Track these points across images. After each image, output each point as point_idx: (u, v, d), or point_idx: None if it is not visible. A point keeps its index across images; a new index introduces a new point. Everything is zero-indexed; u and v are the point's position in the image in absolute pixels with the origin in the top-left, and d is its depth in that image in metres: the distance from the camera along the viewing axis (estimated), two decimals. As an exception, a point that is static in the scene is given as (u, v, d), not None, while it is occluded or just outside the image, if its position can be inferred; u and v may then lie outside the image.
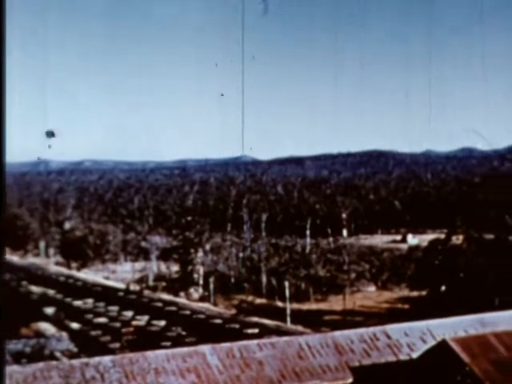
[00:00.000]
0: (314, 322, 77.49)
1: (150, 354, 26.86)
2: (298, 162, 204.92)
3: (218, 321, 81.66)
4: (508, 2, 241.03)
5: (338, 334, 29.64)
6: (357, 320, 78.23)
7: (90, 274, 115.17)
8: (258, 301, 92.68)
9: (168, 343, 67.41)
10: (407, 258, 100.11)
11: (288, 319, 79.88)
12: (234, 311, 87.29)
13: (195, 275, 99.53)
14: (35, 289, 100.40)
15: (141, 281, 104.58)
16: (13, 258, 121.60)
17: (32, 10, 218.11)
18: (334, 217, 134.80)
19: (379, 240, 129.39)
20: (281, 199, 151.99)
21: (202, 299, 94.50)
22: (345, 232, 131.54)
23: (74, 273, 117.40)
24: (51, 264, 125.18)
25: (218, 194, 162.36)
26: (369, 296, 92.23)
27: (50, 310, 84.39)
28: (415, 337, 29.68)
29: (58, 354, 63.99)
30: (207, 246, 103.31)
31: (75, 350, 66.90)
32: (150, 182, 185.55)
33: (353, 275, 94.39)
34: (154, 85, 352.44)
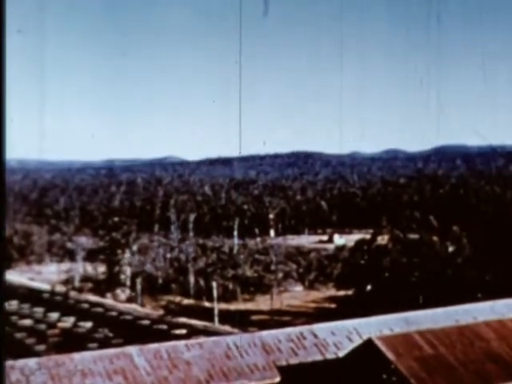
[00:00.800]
0: (242, 321, 77.69)
1: (76, 355, 26.47)
2: (226, 162, 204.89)
3: (146, 322, 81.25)
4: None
5: (265, 333, 29.73)
6: (284, 319, 78.78)
7: (15, 275, 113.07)
8: (186, 301, 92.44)
9: (95, 345, 66.83)
10: (334, 258, 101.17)
11: (216, 319, 79.97)
12: (161, 312, 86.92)
13: (122, 276, 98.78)
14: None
15: (67, 282, 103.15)
16: None
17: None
18: (262, 217, 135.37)
19: (306, 240, 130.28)
20: (208, 200, 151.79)
21: (129, 300, 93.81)
22: (272, 232, 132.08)
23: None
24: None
25: (146, 194, 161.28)
26: (296, 296, 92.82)
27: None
28: (342, 336, 29.92)
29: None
30: (134, 247, 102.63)
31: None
32: (76, 182, 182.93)
33: (280, 275, 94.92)
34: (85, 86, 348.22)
